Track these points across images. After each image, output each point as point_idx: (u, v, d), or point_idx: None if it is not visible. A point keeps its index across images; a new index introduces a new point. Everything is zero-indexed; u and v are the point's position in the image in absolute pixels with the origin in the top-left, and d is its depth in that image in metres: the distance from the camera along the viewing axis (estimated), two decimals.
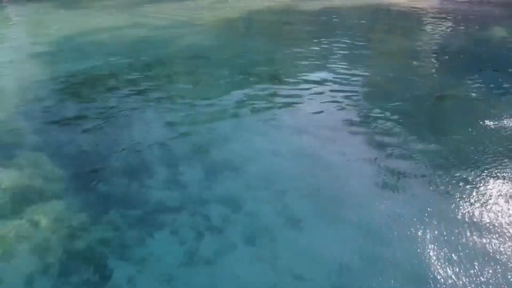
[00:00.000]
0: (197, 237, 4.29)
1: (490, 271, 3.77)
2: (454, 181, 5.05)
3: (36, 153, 5.79)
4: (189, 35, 12.56)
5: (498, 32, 13.09)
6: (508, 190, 4.86)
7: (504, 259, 3.90)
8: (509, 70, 9.33)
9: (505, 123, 6.59)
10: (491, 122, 6.60)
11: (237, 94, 7.81)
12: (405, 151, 5.80)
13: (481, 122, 6.59)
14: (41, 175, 5.29)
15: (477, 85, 8.31)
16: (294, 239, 4.23)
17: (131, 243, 4.24)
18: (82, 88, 8.27)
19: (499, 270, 3.78)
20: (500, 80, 8.61)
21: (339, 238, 4.22)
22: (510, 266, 3.82)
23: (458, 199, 4.72)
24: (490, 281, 3.67)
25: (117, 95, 7.84)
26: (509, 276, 3.71)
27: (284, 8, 17.06)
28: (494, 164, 5.39)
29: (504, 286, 3.61)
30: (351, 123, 6.69)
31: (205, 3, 18.20)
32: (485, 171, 5.24)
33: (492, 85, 8.28)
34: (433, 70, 9.59)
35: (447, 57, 10.61)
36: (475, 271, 3.77)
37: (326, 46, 11.27)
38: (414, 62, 10.00)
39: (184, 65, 9.76)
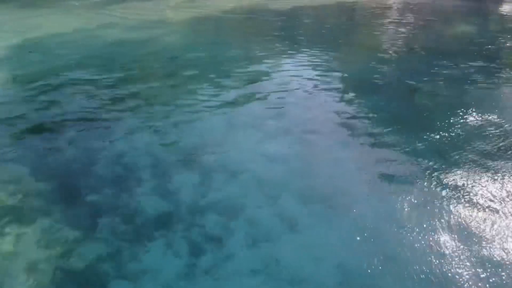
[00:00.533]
0: (194, 248, 4.19)
1: (487, 271, 3.87)
2: (431, 175, 5.17)
3: (15, 166, 5.50)
4: (163, 36, 12.28)
5: (464, 25, 13.51)
6: (495, 186, 5.01)
7: (500, 261, 4.03)
8: (478, 62, 9.63)
9: (478, 115, 6.78)
10: (467, 116, 6.78)
11: (220, 96, 7.71)
12: (391, 146, 5.91)
13: (457, 116, 6.76)
14: (22, 190, 5.02)
15: (448, 78, 8.55)
16: (295, 244, 4.20)
17: (125, 258, 4.09)
18: (56, 95, 7.91)
19: (500, 273, 3.88)
20: (469, 72, 8.91)
21: (339, 239, 4.23)
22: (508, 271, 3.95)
23: (445, 195, 4.82)
24: (487, 282, 3.78)
25: (95, 101, 7.57)
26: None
27: (253, 7, 16.93)
28: (476, 158, 5.55)
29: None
30: (333, 120, 6.73)
31: (173, 3, 17.87)
32: (466, 166, 5.39)
33: (463, 78, 8.54)
34: (405, 65, 9.79)
35: (417, 51, 10.84)
36: (471, 268, 3.87)
37: (300, 44, 11.31)
38: (386, 58, 10.18)
39: (162, 67, 9.54)
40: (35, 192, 5.01)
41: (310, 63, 9.61)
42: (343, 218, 4.54)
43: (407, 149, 5.82)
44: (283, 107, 7.21)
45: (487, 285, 3.69)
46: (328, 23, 14.42)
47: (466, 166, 5.37)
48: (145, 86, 8.29)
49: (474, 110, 6.98)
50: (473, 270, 3.83)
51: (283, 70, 9.16)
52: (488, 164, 5.42)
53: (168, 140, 6.19)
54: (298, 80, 8.45)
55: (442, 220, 4.42)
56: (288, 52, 10.61)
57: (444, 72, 8.95)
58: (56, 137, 6.33)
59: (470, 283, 3.70)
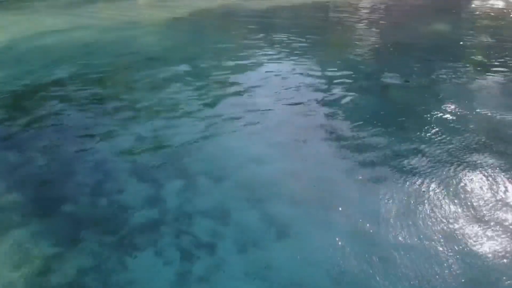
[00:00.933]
0: (184, 255, 4.01)
1: (474, 270, 3.88)
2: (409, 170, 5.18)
3: None
4: (139, 37, 12.00)
5: (435, 23, 13.77)
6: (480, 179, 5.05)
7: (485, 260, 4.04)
8: (450, 58, 9.81)
9: (453, 110, 6.86)
10: (442, 112, 6.83)
11: (201, 98, 7.53)
12: (371, 144, 5.85)
13: (434, 112, 6.81)
14: None
15: (421, 74, 8.66)
16: (287, 248, 4.07)
17: (112, 270, 3.87)
18: (30, 100, 7.55)
19: (487, 268, 3.89)
20: (442, 68, 9.04)
21: (330, 242, 4.15)
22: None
23: (432, 193, 4.83)
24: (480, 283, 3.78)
25: (71, 106, 7.25)
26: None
27: (227, 6, 16.82)
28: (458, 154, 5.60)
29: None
30: (315, 120, 6.66)
31: (146, 2, 17.53)
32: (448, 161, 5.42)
33: (435, 74, 8.66)
34: (378, 62, 9.87)
35: (390, 49, 10.94)
36: (464, 266, 3.86)
37: (276, 43, 11.25)
38: (360, 55, 10.24)
39: (140, 69, 9.25)
40: (7, 206, 4.71)
41: (288, 61, 9.58)
42: (336, 221, 4.46)
43: (387, 147, 5.78)
44: (264, 108, 7.06)
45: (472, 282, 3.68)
46: (303, 22, 14.43)
47: (449, 163, 5.38)
48: (123, 89, 8.02)
49: (448, 105, 7.06)
50: (461, 268, 3.81)
51: (261, 69, 9.06)
52: (468, 159, 5.44)
53: (149, 144, 5.96)
54: (277, 80, 8.37)
55: (432, 219, 4.40)
56: (265, 51, 10.53)
57: (416, 68, 9.06)
58: (28, 146, 5.99)
59: (456, 280, 3.69)
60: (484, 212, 4.45)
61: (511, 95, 7.53)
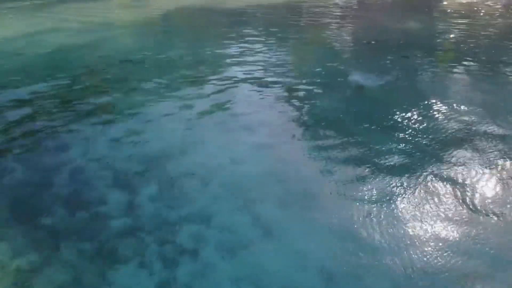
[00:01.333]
0: (168, 263, 3.93)
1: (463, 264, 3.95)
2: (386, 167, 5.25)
3: None
4: (113, 38, 11.73)
5: (410, 21, 14.01)
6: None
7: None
8: (423, 55, 10.00)
9: (427, 107, 6.97)
10: (417, 108, 6.92)
11: (178, 99, 7.41)
12: (349, 144, 5.87)
13: (409, 108, 6.88)
14: None
15: (395, 70, 8.76)
16: (273, 250, 4.05)
17: (93, 283, 3.76)
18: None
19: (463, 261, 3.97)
20: (415, 64, 9.24)
21: (316, 242, 4.14)
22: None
23: (413, 190, 4.90)
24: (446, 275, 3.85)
25: (42, 113, 6.98)
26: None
27: (199, 6, 16.60)
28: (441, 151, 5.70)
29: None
30: (287, 120, 6.66)
31: (120, 2, 17.17)
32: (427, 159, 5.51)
33: (410, 71, 8.82)
34: (353, 59, 9.99)
35: (364, 46, 11.07)
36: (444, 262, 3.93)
37: (249, 42, 11.19)
38: (335, 53, 10.31)
39: (115, 72, 9.04)
40: None
41: (262, 61, 9.52)
42: (320, 220, 4.46)
43: (364, 146, 5.81)
44: (238, 109, 7.02)
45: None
46: (277, 20, 14.41)
47: (427, 158, 5.47)
48: (98, 93, 7.81)
49: (422, 101, 7.16)
50: (451, 261, 3.89)
51: (235, 69, 8.98)
52: (446, 154, 5.55)
53: (127, 150, 5.82)
54: (251, 80, 8.31)
55: (417, 216, 4.45)
56: (239, 50, 10.45)
57: (390, 65, 9.19)
58: (1, 155, 5.75)
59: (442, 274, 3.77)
60: (460, 208, 4.55)
61: (483, 89, 7.73)
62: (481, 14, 14.94)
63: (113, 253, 4.05)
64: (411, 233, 4.21)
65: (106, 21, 13.85)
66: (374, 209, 4.54)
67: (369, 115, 6.75)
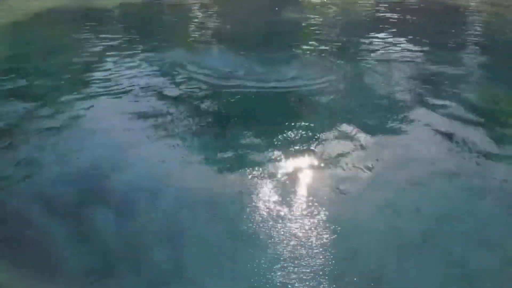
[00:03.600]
0: None
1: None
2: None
3: None
4: None
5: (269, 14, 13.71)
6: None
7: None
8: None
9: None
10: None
11: (70, 110, 6.30)
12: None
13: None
14: None
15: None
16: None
17: None
18: None
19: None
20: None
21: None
22: None
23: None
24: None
25: None
26: None
27: (65, 7, 14.32)
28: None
29: None
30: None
31: None
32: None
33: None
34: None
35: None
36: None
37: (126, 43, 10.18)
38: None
39: None
40: None
41: (147, 62, 8.54)
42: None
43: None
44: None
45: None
46: (148, 20, 13.25)
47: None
48: None
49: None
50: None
51: (121, 73, 7.89)
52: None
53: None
54: (141, 82, 7.36)
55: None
56: (119, 51, 9.34)
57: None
58: None
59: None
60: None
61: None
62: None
63: None
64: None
65: None
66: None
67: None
